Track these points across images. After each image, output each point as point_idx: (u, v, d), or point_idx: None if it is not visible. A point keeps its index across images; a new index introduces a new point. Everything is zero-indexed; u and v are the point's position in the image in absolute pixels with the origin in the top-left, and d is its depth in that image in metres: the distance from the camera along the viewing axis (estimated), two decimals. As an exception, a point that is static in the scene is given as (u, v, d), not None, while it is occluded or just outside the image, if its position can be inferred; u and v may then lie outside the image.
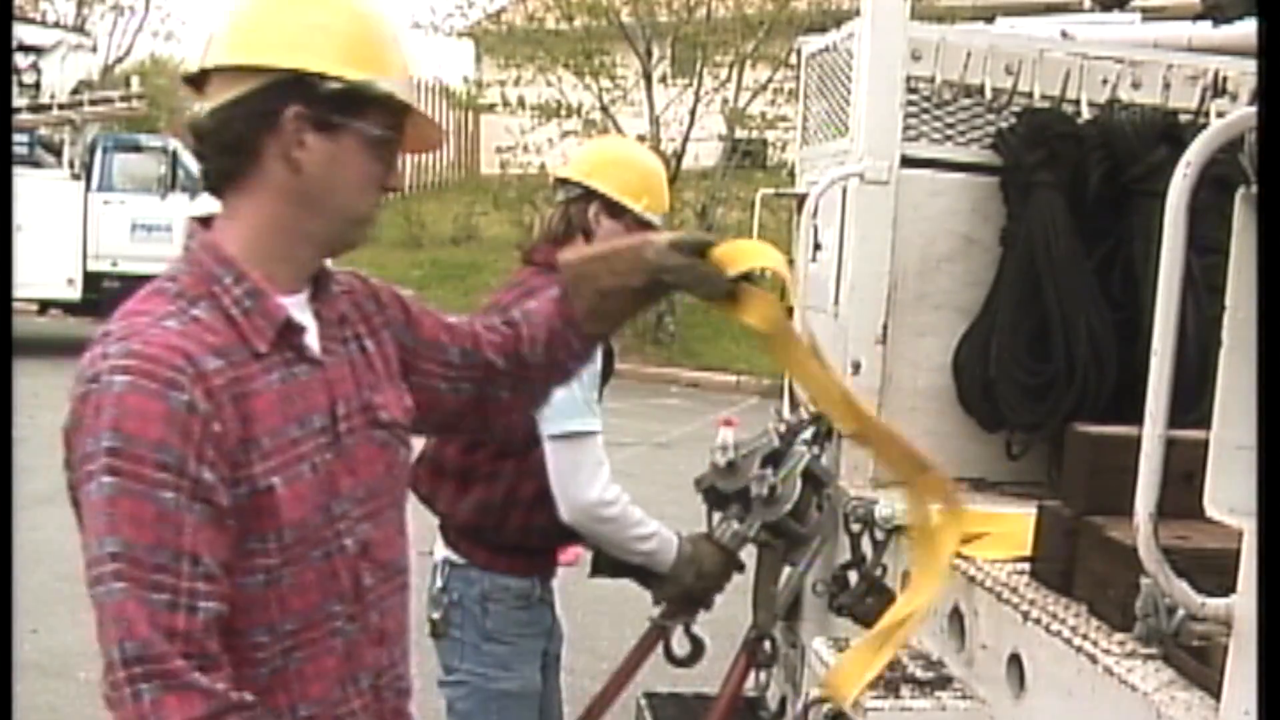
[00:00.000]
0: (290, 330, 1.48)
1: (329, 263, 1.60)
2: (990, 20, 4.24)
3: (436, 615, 2.74)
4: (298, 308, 1.52)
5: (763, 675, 3.16)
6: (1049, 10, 4.83)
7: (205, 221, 1.52)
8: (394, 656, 1.64)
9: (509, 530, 2.67)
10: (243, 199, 1.48)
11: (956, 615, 2.37)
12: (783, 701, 3.34)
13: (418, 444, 2.07)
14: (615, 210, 2.78)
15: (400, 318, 1.72)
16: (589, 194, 2.78)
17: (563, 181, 2.86)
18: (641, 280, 1.74)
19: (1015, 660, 2.12)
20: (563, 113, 15.23)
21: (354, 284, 1.67)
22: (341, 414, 1.53)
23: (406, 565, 1.65)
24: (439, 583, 2.74)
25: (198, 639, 1.32)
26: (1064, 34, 3.43)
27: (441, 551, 2.75)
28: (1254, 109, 1.34)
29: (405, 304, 1.74)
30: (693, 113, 15.50)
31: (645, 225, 2.75)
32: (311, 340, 1.53)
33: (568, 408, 2.43)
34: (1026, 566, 2.28)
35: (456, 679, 2.73)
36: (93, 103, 13.80)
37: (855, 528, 2.74)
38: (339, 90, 1.44)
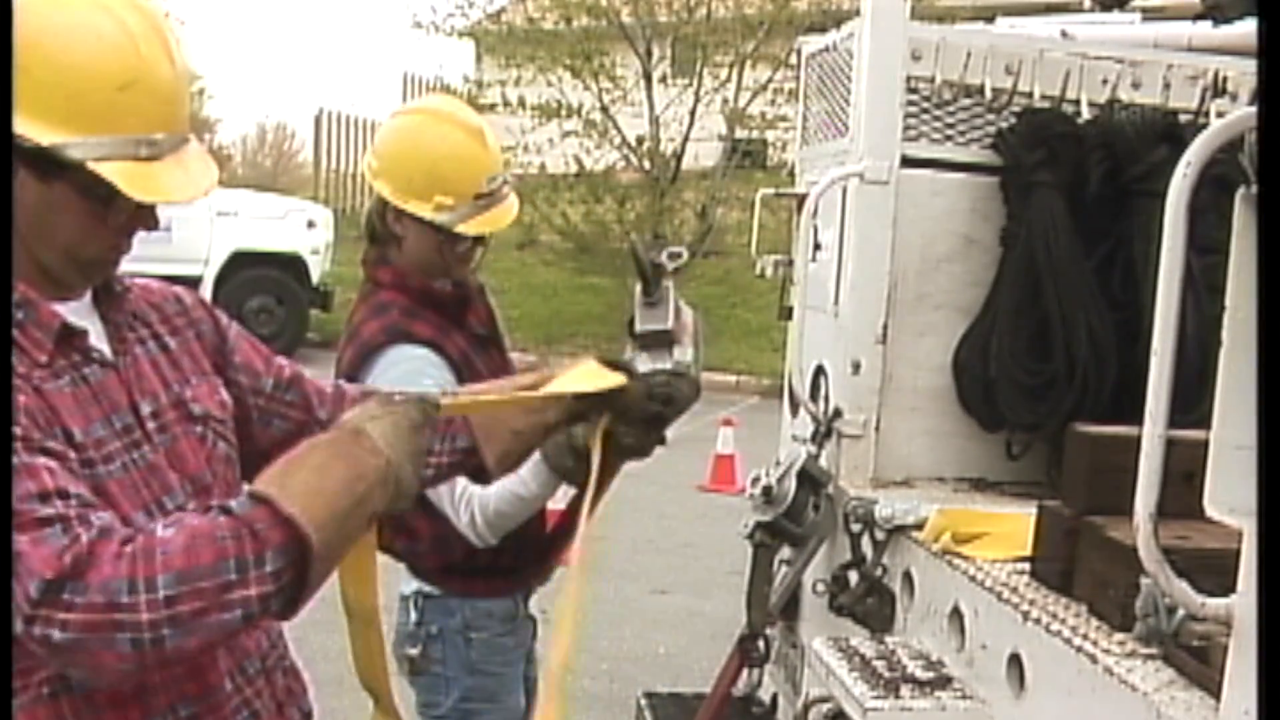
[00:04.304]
0: (70, 335, 1.45)
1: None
2: (990, 20, 4.24)
3: (414, 651, 2.59)
4: (76, 312, 1.49)
5: (755, 673, 3.17)
6: (1049, 10, 4.83)
7: None
8: (272, 638, 1.65)
9: (479, 555, 2.47)
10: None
11: (956, 615, 2.37)
12: (774, 698, 3.34)
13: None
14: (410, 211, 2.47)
15: (208, 322, 1.69)
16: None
17: None
18: (557, 414, 1.74)
19: (1015, 660, 2.11)
20: (563, 113, 15.23)
21: (151, 285, 1.65)
22: (148, 412, 1.51)
23: None
24: (414, 616, 2.59)
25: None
26: (1064, 34, 3.43)
27: (413, 584, 2.60)
28: (1254, 109, 1.34)
29: (214, 315, 1.72)
30: (693, 113, 15.51)
31: (445, 230, 2.46)
32: (98, 342, 1.50)
33: None
34: (1026, 566, 2.28)
35: (439, 714, 2.60)
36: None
37: (855, 528, 2.74)
38: (29, 148, 1.36)
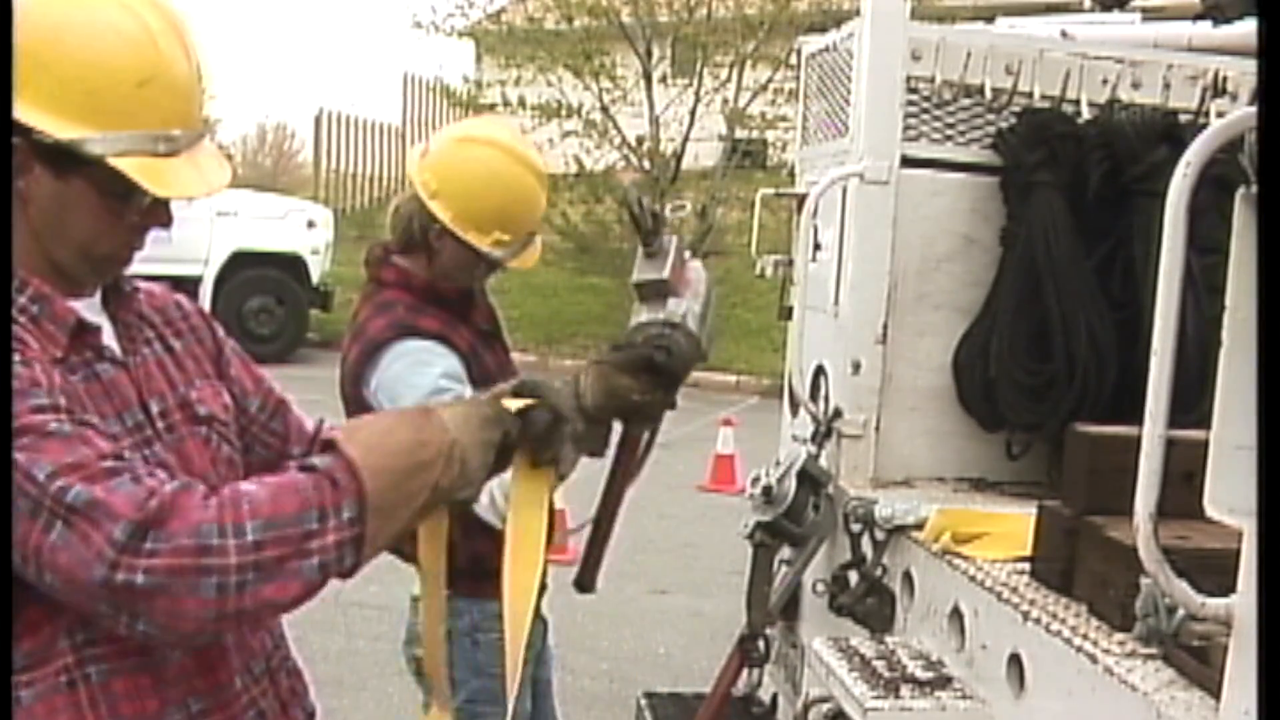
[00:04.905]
0: (84, 331, 1.46)
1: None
2: (990, 20, 4.24)
3: (421, 652, 2.50)
4: (88, 309, 1.49)
5: (755, 673, 3.16)
6: (1049, 10, 4.83)
7: None
8: (275, 639, 1.65)
9: (486, 559, 2.32)
10: (15, 213, 1.43)
11: (956, 615, 2.37)
12: (774, 698, 3.34)
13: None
14: (459, 236, 2.49)
15: (206, 330, 1.70)
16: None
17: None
18: None
19: (1015, 660, 2.12)
20: (563, 113, 15.23)
21: (154, 289, 1.66)
22: (157, 411, 1.52)
23: None
24: (420, 616, 2.55)
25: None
26: (1064, 34, 3.43)
27: None
28: (1254, 109, 1.34)
29: (212, 326, 1.72)
30: (693, 113, 15.50)
31: (486, 259, 2.52)
32: (109, 340, 1.51)
33: None
34: (1026, 566, 2.28)
35: None
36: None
37: (855, 528, 2.74)
38: (47, 144, 1.37)
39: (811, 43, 3.48)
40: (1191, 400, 1.75)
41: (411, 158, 2.57)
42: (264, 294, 12.96)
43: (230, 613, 1.29)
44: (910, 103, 2.98)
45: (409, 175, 2.54)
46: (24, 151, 1.38)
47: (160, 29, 1.43)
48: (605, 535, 2.19)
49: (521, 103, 15.35)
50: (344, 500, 1.34)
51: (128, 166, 1.39)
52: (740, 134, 15.89)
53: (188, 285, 12.01)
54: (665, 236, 1.93)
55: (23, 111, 1.36)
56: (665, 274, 1.91)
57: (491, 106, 16.37)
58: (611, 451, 1.95)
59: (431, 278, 2.56)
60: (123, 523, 1.25)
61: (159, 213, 1.49)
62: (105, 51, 1.39)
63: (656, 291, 1.92)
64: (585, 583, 2.20)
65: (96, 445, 1.31)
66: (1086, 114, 2.97)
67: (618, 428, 2.03)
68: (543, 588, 2.73)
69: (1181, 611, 1.76)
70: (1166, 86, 3.01)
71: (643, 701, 3.53)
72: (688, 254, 1.99)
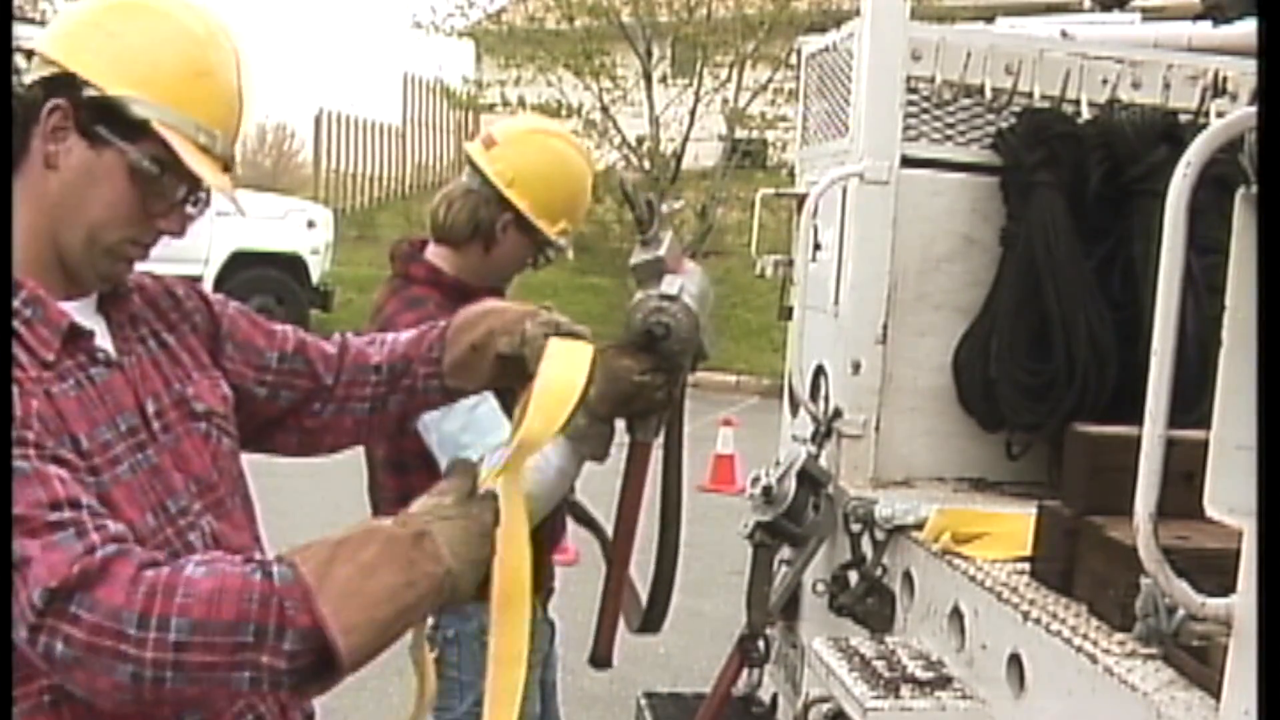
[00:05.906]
0: (76, 335, 1.45)
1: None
2: (990, 20, 4.24)
3: (431, 655, 2.64)
4: (82, 311, 1.49)
5: (755, 673, 3.16)
6: (1049, 10, 4.83)
7: None
8: None
9: None
10: (19, 196, 1.43)
11: (956, 615, 2.37)
12: (775, 698, 3.34)
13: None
14: (527, 226, 2.56)
15: (202, 310, 1.70)
16: (505, 201, 2.54)
17: (475, 168, 2.57)
18: (507, 348, 1.69)
19: (1015, 660, 2.11)
20: (563, 113, 15.24)
21: (144, 281, 1.65)
22: (153, 411, 1.52)
23: (262, 552, 1.62)
24: (430, 620, 2.49)
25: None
26: (1064, 34, 3.43)
27: None
28: (1254, 109, 1.34)
29: (208, 300, 1.73)
30: (693, 113, 15.53)
31: (543, 249, 2.61)
32: (103, 342, 1.50)
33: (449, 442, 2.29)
34: (1026, 566, 2.28)
35: (453, 719, 2.58)
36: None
37: (855, 528, 2.74)
38: (96, 98, 1.39)
39: (811, 43, 3.48)
40: (1191, 400, 1.75)
41: (474, 149, 2.60)
42: (264, 294, 12.95)
43: (149, 700, 1.25)
44: (910, 103, 2.98)
45: (478, 166, 2.56)
46: (63, 113, 1.40)
47: (229, 51, 1.51)
48: (618, 590, 2.05)
49: (521, 103, 15.37)
50: (288, 629, 1.26)
51: (173, 139, 1.42)
52: (740, 134, 15.92)
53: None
54: (661, 231, 1.92)
55: (78, 67, 1.39)
56: (662, 253, 1.90)
57: (491, 106, 16.36)
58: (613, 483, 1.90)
59: (464, 275, 2.57)
60: (41, 588, 1.23)
61: (175, 216, 1.50)
62: (173, 37, 1.46)
63: (653, 271, 1.90)
64: (600, 657, 2.02)
65: (52, 488, 1.28)
66: (1086, 114, 2.96)
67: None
68: (549, 591, 2.75)
69: (1181, 611, 1.76)
70: (1166, 86, 3.01)
71: (643, 701, 3.53)
72: (685, 256, 1.99)
